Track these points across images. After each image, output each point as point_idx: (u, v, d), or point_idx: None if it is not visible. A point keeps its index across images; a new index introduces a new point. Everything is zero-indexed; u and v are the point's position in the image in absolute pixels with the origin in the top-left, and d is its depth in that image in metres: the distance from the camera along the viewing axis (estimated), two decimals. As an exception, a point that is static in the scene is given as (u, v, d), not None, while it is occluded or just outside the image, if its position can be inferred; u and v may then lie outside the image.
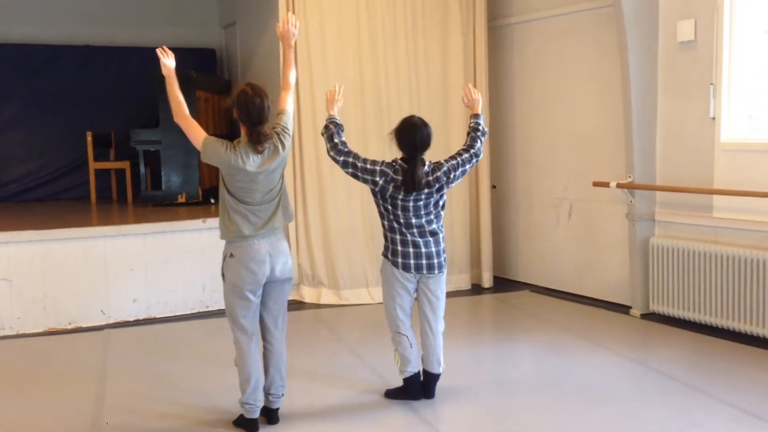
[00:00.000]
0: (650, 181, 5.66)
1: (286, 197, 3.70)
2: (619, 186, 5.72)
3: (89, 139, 8.08)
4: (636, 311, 5.73)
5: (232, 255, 3.57)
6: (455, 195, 6.61)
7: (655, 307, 5.60)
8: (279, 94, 3.78)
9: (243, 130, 3.55)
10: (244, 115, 3.49)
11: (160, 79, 3.67)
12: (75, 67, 8.83)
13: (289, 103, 3.75)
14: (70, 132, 8.56)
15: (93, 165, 8.13)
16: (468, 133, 4.09)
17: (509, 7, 6.89)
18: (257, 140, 3.48)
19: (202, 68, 8.82)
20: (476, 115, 4.13)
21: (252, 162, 3.49)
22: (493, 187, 6.88)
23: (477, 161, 4.03)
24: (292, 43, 3.85)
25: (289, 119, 3.71)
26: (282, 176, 3.67)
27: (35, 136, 8.70)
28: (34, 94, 8.68)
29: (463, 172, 3.95)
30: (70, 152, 8.71)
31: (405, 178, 3.77)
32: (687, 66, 5.40)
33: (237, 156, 3.47)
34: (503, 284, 6.97)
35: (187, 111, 3.56)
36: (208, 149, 3.50)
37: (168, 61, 3.60)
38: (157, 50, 3.63)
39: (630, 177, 5.65)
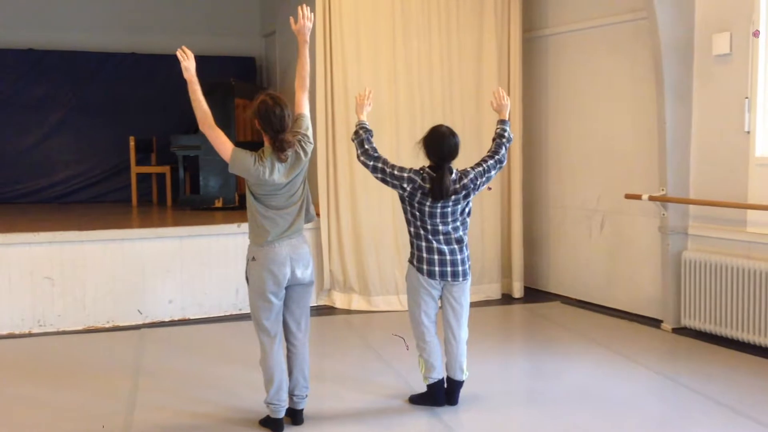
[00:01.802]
0: (683, 194, 5.61)
1: (308, 199, 3.76)
2: (651, 199, 5.68)
3: (132, 144, 8.35)
4: (667, 325, 5.68)
5: (254, 258, 3.67)
6: (487, 205, 6.64)
7: (687, 322, 5.54)
8: (294, 96, 3.76)
9: (266, 140, 3.63)
10: (266, 125, 3.56)
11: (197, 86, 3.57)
12: (120, 74, 9.13)
13: (305, 106, 3.77)
14: (114, 137, 8.85)
15: (135, 169, 8.39)
16: (493, 139, 4.13)
17: (544, 19, 6.91)
18: (281, 148, 3.54)
19: (242, 76, 9.02)
20: (503, 121, 4.17)
21: (277, 172, 3.55)
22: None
23: (501, 167, 4.07)
24: (308, 37, 3.79)
25: (308, 123, 3.75)
26: (304, 180, 3.74)
27: (80, 141, 9.03)
28: (81, 100, 9.01)
29: (488, 179, 3.99)
30: (113, 157, 9.01)
31: (433, 186, 3.82)
32: (722, 79, 5.35)
33: (264, 168, 3.53)
34: (534, 295, 6.96)
35: (212, 120, 3.56)
36: (237, 162, 3.57)
37: (188, 64, 3.52)
38: (177, 52, 3.54)
39: (663, 190, 5.61)
